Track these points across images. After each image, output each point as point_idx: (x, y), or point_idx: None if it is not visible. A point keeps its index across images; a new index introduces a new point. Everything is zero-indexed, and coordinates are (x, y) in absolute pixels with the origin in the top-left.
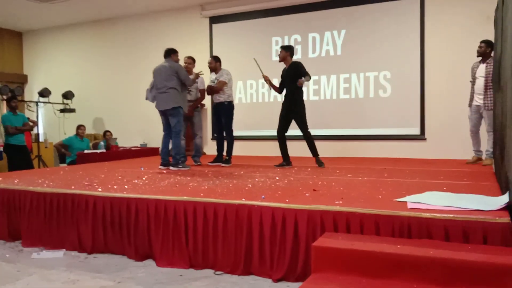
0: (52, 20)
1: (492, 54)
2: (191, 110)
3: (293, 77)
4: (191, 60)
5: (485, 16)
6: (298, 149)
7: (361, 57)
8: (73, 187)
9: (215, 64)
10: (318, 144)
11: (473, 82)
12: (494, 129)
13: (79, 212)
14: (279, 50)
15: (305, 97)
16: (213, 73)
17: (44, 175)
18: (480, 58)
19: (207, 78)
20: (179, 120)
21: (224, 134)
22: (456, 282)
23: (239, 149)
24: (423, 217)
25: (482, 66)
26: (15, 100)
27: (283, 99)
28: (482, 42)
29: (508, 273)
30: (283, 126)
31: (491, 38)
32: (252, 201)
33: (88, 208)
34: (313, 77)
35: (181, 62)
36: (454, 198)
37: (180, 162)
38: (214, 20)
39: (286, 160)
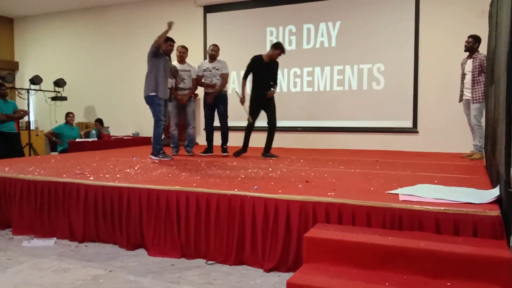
0: (45, 6)
1: (479, 49)
2: (185, 100)
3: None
4: (184, 49)
5: (479, 10)
6: (289, 140)
7: (356, 49)
8: (64, 175)
9: (218, 52)
10: (311, 135)
11: (462, 77)
12: (486, 123)
13: (71, 201)
14: (279, 51)
15: (298, 89)
16: (206, 61)
17: (35, 163)
18: (467, 54)
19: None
20: (154, 109)
21: (220, 124)
22: (446, 274)
23: (232, 139)
24: (415, 209)
25: (469, 62)
26: (4, 87)
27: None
28: (469, 37)
29: (497, 265)
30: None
31: (485, 32)
32: (245, 192)
33: (79, 196)
34: (306, 69)
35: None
36: (445, 191)
37: (160, 152)
38: (208, 9)
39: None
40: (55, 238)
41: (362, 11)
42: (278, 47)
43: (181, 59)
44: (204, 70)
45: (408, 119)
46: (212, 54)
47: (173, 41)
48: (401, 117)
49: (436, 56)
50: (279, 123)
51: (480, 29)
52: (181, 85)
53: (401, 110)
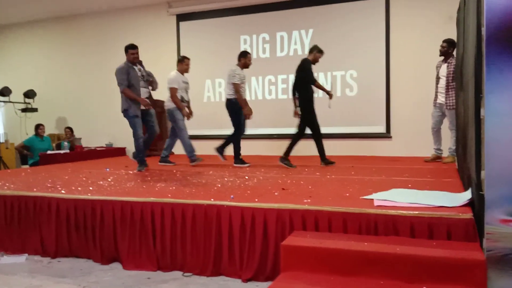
0: (13, 16)
1: (454, 53)
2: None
3: None
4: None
5: (447, 16)
6: (265, 148)
7: (328, 56)
8: (35, 189)
9: None
10: (287, 142)
11: (437, 81)
12: (456, 127)
13: (42, 216)
14: (321, 54)
15: (273, 96)
16: (239, 69)
17: (5, 177)
18: (442, 58)
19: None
20: (130, 122)
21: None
22: (422, 278)
23: (208, 148)
24: (390, 214)
25: (444, 66)
26: None
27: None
28: (444, 41)
29: (471, 267)
30: None
31: (454, 37)
32: (221, 201)
33: (51, 211)
34: (281, 76)
35: (149, 58)
36: (419, 195)
37: (139, 163)
38: (181, 17)
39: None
40: (26, 254)
41: (334, 18)
42: (321, 50)
43: (187, 71)
44: (244, 79)
45: (381, 124)
46: (250, 64)
47: (135, 48)
48: (374, 122)
49: (406, 61)
50: (255, 131)
51: (450, 33)
52: (186, 98)
53: (374, 115)
